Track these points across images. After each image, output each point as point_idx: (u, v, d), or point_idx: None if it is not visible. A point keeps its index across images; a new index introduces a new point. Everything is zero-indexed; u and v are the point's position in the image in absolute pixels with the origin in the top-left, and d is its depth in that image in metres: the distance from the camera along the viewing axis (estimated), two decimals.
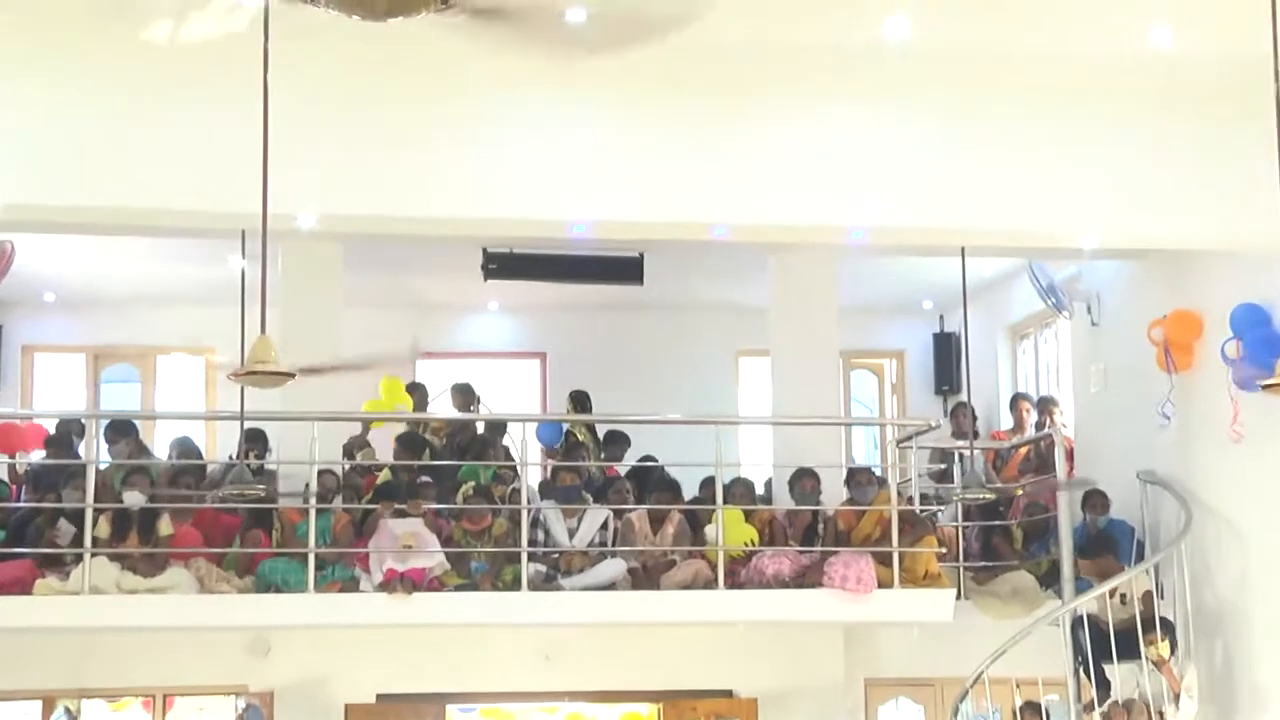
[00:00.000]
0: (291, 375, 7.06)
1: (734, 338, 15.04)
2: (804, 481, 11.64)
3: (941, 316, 15.65)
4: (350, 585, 10.84)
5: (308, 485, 10.91)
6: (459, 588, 10.94)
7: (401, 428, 12.47)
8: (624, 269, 12.92)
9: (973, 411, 12.98)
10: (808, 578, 11.10)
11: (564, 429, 13.09)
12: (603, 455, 12.77)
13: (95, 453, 11.14)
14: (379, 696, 11.23)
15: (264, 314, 7.23)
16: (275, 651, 11.11)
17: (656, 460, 12.46)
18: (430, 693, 11.37)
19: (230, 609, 10.65)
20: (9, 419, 12.98)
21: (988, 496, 11.53)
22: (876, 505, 11.48)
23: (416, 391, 13.37)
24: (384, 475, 12.19)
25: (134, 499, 10.89)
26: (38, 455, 12.19)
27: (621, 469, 12.48)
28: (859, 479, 11.69)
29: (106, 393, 14.84)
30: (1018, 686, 10.28)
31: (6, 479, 12.10)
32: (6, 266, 12.26)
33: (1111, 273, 12.86)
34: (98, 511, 10.74)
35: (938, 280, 13.80)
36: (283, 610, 10.68)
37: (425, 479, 11.43)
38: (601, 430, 13.00)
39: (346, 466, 12.21)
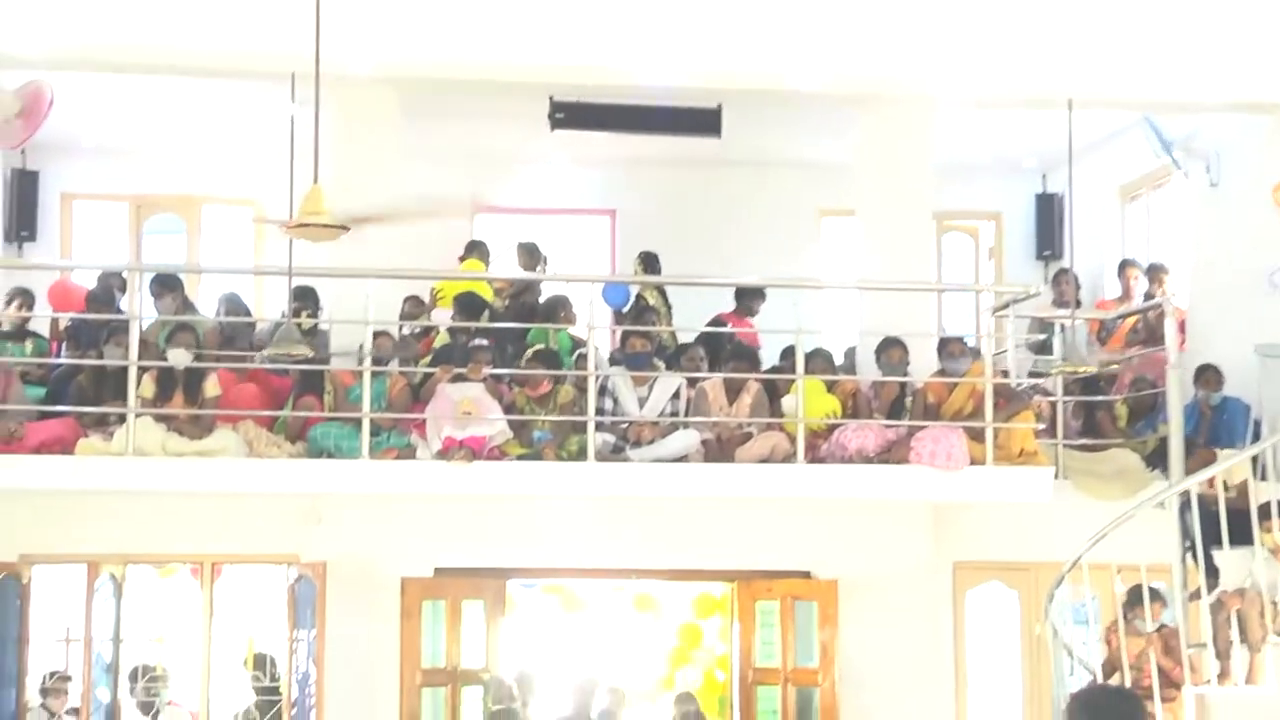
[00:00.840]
0: (344, 228, 7.12)
1: (817, 196, 14.95)
2: (891, 351, 11.62)
3: (1044, 175, 15.48)
4: (407, 453, 10.95)
5: (362, 346, 10.98)
6: (521, 458, 11.02)
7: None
8: (700, 121, 12.81)
9: (1076, 278, 12.89)
10: (893, 453, 11.11)
11: (633, 292, 13.09)
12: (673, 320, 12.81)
13: (139, 308, 11.26)
14: (437, 570, 11.36)
15: (316, 163, 7.25)
16: (328, 521, 11.23)
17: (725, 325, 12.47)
18: (490, 567, 11.49)
19: (281, 474, 10.79)
20: (49, 270, 13.15)
21: (1090, 370, 11.45)
22: (970, 377, 11.45)
23: (477, 249, 13.41)
24: (441, 338, 12.30)
25: (179, 357, 11.03)
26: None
27: (692, 336, 12.49)
28: (951, 349, 11.64)
29: (149, 244, 14.95)
30: (1119, 573, 10.26)
31: (47, 334, 12.33)
32: (45, 110, 12.30)
33: (1234, 129, 12.63)
34: (142, 370, 10.90)
35: (1041, 136, 13.63)
36: (336, 477, 10.82)
37: (483, 342, 11.49)
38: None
39: (403, 328, 12.32)
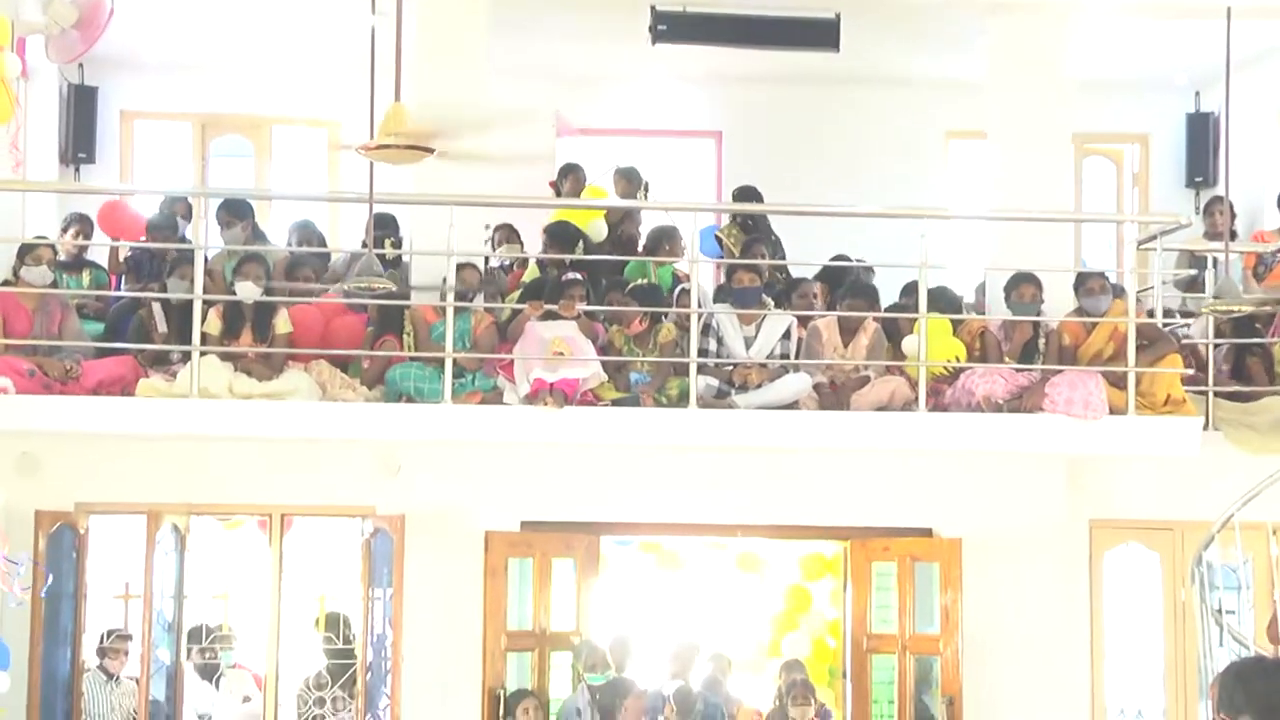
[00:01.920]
0: (428, 150, 7.11)
1: (943, 116, 14.79)
2: (1023, 288, 11.52)
3: (1197, 93, 15.23)
4: (492, 397, 11.00)
5: (445, 280, 11.01)
6: (617, 402, 11.06)
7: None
8: (816, 32, 12.71)
9: (1231, 208, 12.67)
10: (1025, 400, 11.03)
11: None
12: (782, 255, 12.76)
13: (204, 237, 11.33)
14: (524, 524, 11.40)
15: (398, 80, 7.25)
16: (406, 470, 11.28)
17: (850, 260, 12.39)
18: (582, 521, 11.51)
19: (356, 419, 10.88)
20: (107, 195, 13.27)
21: (1245, 309, 11.29)
22: (1110, 317, 11.31)
23: (571, 175, 13.39)
24: (531, 271, 12.32)
25: (248, 291, 11.11)
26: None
27: (807, 270, 12.44)
28: (1090, 286, 11.52)
29: (216, 167, 15.05)
30: (1274, 533, 10.14)
31: (105, 265, 12.44)
32: (105, 20, 12.37)
33: None
34: (207, 304, 10.99)
35: (1194, 49, 13.40)
36: (415, 422, 10.88)
37: (577, 275, 11.48)
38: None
39: (490, 260, 12.34)
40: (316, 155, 14.96)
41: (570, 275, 11.47)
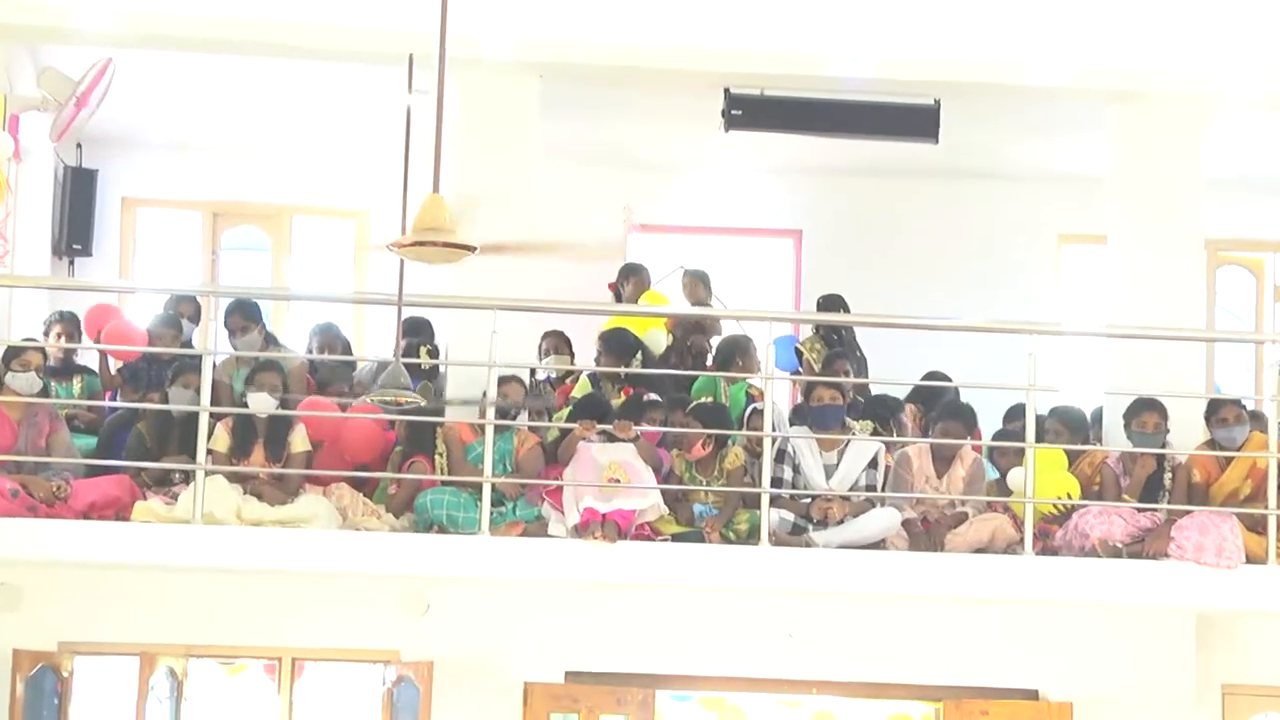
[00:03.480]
0: (470, 249, 7.12)
1: (1055, 217, 14.87)
2: (1146, 416, 11.47)
3: None
4: (536, 528, 11.00)
5: (485, 394, 11.03)
6: (677, 537, 11.03)
7: None
8: (912, 120, 12.75)
9: None
10: (1148, 545, 10.95)
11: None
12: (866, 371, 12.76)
13: (212, 341, 11.38)
14: (568, 674, 11.34)
15: (437, 167, 7.26)
16: (435, 610, 11.26)
17: (949, 379, 12.37)
18: (636, 673, 11.45)
19: (380, 551, 10.85)
20: (104, 291, 13.37)
21: None
22: (1248, 451, 11.24)
23: (634, 278, 13.45)
24: (582, 385, 12.33)
25: (261, 403, 11.16)
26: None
27: (898, 390, 12.41)
28: (1224, 415, 11.47)
29: (228, 262, 15.16)
30: None
31: (97, 370, 12.50)
32: (101, 90, 12.50)
33: None
34: (214, 418, 11.02)
35: None
36: (447, 556, 10.86)
37: (655, 397, 11.52)
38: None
39: (535, 372, 12.37)
40: (341, 250, 15.08)
41: (650, 396, 11.52)
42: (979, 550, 11.06)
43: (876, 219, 14.82)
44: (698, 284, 13.56)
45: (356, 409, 11.61)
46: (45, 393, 11.38)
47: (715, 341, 12.90)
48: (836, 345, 12.70)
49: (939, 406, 11.93)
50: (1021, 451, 11.19)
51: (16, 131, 11.44)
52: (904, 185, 14.70)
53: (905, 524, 11.15)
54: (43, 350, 11.55)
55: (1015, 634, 11.41)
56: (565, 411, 11.85)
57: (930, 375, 12.46)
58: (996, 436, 12.07)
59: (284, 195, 15.00)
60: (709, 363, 12.69)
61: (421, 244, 7.07)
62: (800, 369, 12.86)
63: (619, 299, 13.26)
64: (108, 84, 12.28)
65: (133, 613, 11.13)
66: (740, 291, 14.51)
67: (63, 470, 11.01)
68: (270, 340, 12.44)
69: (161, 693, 11.17)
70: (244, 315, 12.13)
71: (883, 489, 11.35)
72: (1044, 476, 11.16)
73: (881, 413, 12.10)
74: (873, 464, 11.37)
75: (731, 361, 12.47)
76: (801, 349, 12.87)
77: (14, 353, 11.22)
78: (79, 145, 14.03)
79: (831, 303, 13.06)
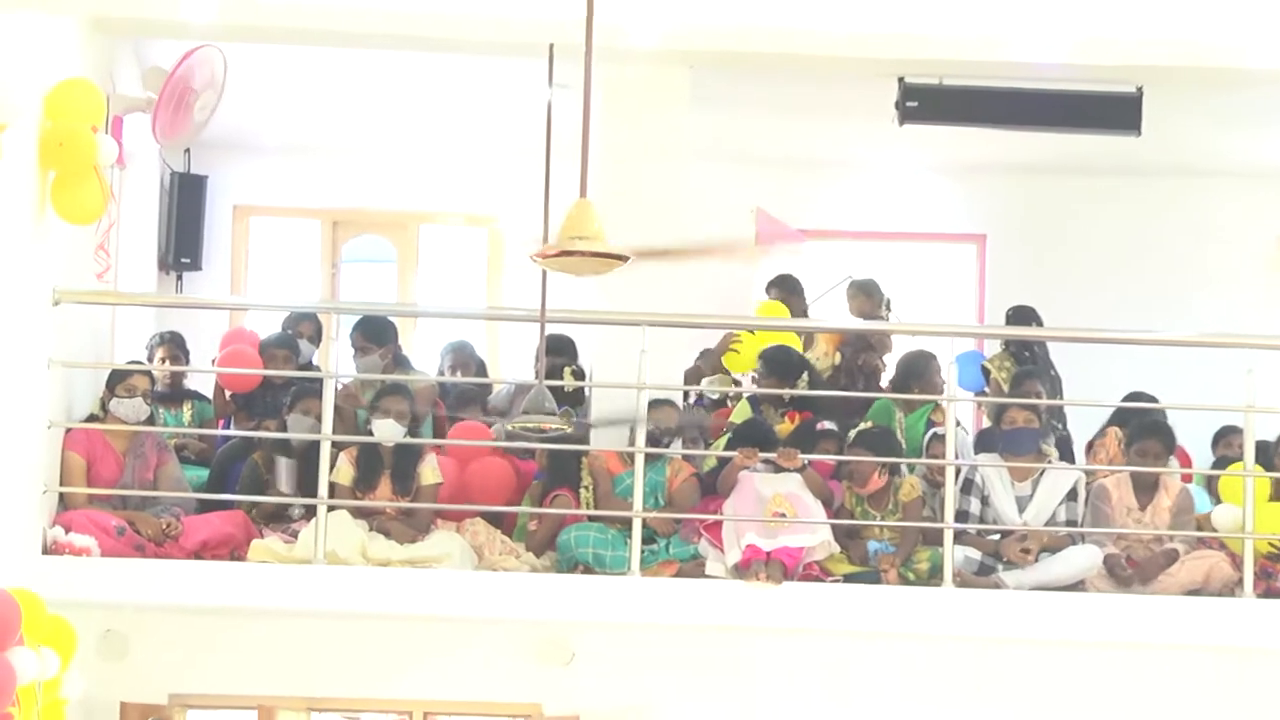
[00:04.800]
0: (623, 258, 7.13)
1: (1275, 217, 14.72)
2: None
3: None
4: (692, 568, 11.03)
5: (634, 420, 11.07)
6: (850, 578, 11.03)
7: None
8: (1112, 111, 12.65)
9: None
10: None
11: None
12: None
13: (334, 363, 11.47)
14: None
15: (585, 168, 7.28)
16: (580, 660, 11.30)
17: (1155, 400, 12.27)
18: None
19: (519, 594, 10.91)
20: (215, 308, 13.52)
21: None
22: None
23: (785, 287, 13.43)
24: (741, 410, 12.33)
25: (388, 431, 11.25)
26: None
27: (1100, 413, 12.32)
28: None
29: (349, 275, 15.28)
30: None
31: (208, 396, 12.62)
32: (210, 91, 12.51)
33: None
34: (337, 447, 11.13)
35: None
36: (594, 599, 10.91)
37: (832, 427, 11.48)
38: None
39: (689, 395, 12.39)
40: (473, 261, 15.17)
41: (825, 426, 11.51)
42: (1192, 592, 10.97)
43: (1070, 222, 14.72)
44: (865, 296, 13.50)
45: (484, 441, 11.67)
46: (152, 421, 11.50)
47: (889, 360, 12.90)
48: (1028, 362, 12.60)
49: (1133, 424, 11.84)
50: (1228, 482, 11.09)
51: (120, 135, 11.53)
52: (1101, 184, 14.61)
53: (1107, 562, 11.07)
54: (150, 374, 11.62)
55: (1236, 683, 11.30)
56: (723, 439, 11.87)
57: (1132, 396, 12.35)
58: (1216, 465, 11.95)
59: (410, 201, 15.08)
60: (883, 384, 12.66)
61: (569, 254, 7.08)
62: (987, 389, 12.79)
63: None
64: (213, 75, 12.30)
65: (249, 662, 11.24)
66: (916, 304, 14.45)
67: (172, 506, 11.15)
68: (399, 361, 12.50)
69: None
70: (368, 336, 12.25)
71: (1083, 523, 11.26)
72: (1266, 508, 11.04)
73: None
74: (1071, 495, 11.30)
75: (909, 383, 12.42)
76: (989, 366, 12.80)
77: (119, 377, 11.30)
78: (187, 150, 14.16)
79: (1022, 315, 12.95)
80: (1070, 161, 14.04)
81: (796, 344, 12.60)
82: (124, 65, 12.32)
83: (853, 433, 11.50)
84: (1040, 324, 12.83)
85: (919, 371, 12.42)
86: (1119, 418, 12.20)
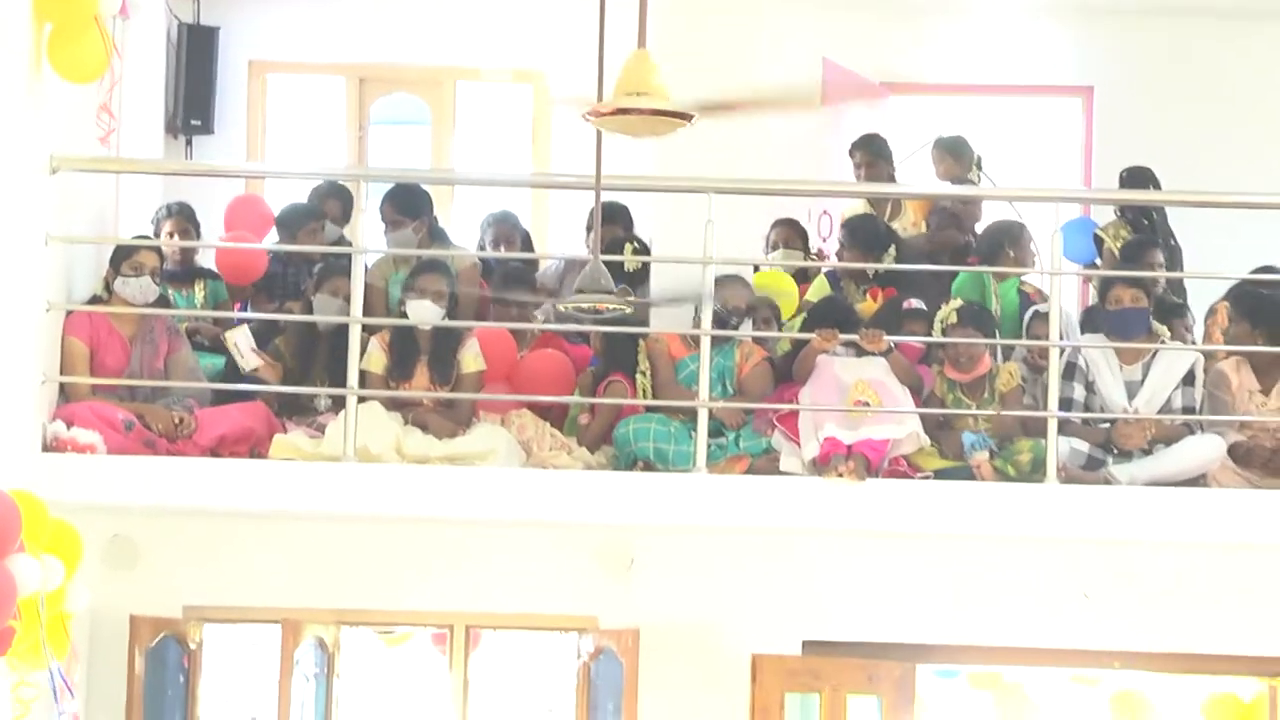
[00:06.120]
0: (687, 117, 7.12)
1: None
2: None
3: None
4: (765, 463, 11.04)
5: (699, 297, 11.06)
6: (941, 474, 11.04)
7: None
8: None
9: None
10: None
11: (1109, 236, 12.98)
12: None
13: (364, 237, 11.48)
14: (806, 645, 11.37)
15: (644, 13, 7.26)
16: (642, 567, 11.33)
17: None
18: (889, 643, 11.46)
19: (572, 493, 10.95)
20: (232, 176, 13.56)
21: None
22: None
23: (871, 149, 13.39)
24: (818, 286, 12.33)
25: (424, 312, 11.26)
26: (270, 240, 12.70)
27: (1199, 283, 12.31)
28: None
29: (380, 139, 15.26)
30: None
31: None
32: None
33: None
34: (368, 331, 11.16)
35: None
36: (655, 499, 10.93)
37: (921, 306, 11.47)
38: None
39: (763, 267, 12.38)
40: (518, 122, 15.14)
41: (913, 304, 11.50)
42: None
43: (1189, 71, 14.66)
44: (953, 157, 13.43)
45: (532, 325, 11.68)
46: (163, 302, 11.52)
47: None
48: (1146, 230, 12.53)
49: (1244, 298, 11.78)
50: None
51: None
52: (1227, 27, 14.54)
53: (1232, 452, 11.06)
54: (158, 250, 11.60)
55: None
56: (799, 320, 11.86)
57: (1260, 270, 12.30)
58: None
59: (446, 55, 15.06)
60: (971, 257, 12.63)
61: (626, 112, 7.06)
62: (1099, 260, 12.73)
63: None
64: None
65: (272, 571, 11.27)
66: (1013, 166, 14.40)
67: (185, 397, 11.18)
68: (435, 235, 12.48)
69: (308, 668, 11.28)
70: (399, 208, 12.19)
71: (1201, 410, 11.24)
72: None
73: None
74: (1188, 379, 11.28)
75: (1000, 253, 12.38)
76: (1102, 235, 12.75)
77: (124, 253, 11.28)
78: None
79: (1138, 177, 12.85)
80: (1191, 3, 13.92)
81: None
82: None
83: (948, 309, 11.47)
84: (1159, 187, 12.74)
85: (1015, 237, 12.39)
86: (1234, 292, 12.10)
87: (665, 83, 7.11)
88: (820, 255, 12.91)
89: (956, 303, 11.61)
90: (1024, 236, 12.47)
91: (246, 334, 11.35)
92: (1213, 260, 12.80)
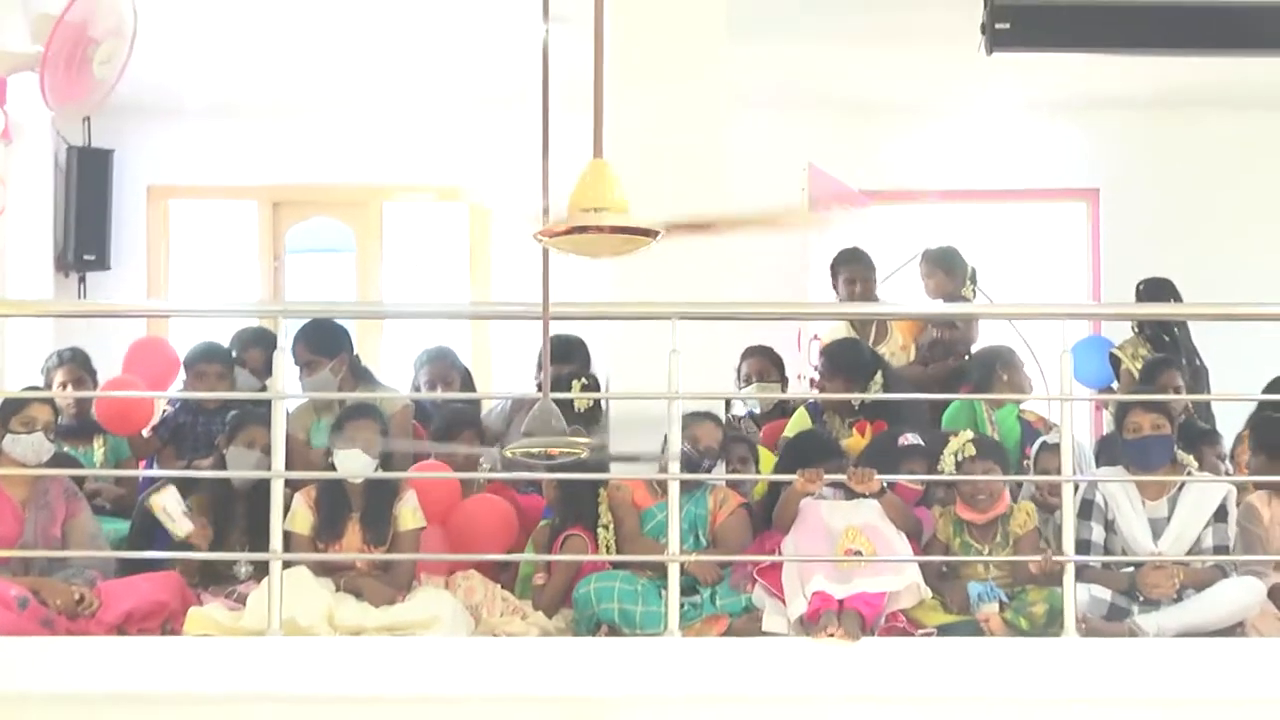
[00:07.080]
0: (652, 233, 7.06)
1: None
2: None
3: None
4: (745, 623, 10.97)
5: (666, 439, 11.01)
6: (945, 629, 10.98)
7: None
8: (1251, 28, 12.64)
9: None
10: None
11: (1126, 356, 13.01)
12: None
13: (282, 380, 11.43)
14: None
15: (599, 121, 7.22)
16: None
17: None
18: None
19: (528, 664, 10.82)
20: (131, 316, 13.50)
21: None
22: None
23: (856, 268, 13.41)
24: (798, 420, 12.32)
25: (354, 463, 11.18)
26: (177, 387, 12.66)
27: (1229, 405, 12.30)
28: None
29: (297, 269, 15.26)
30: None
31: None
32: (115, 40, 12.47)
33: None
34: (291, 487, 11.07)
35: None
36: (622, 666, 10.80)
37: (914, 439, 11.44)
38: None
39: (731, 404, 12.34)
40: (454, 245, 15.15)
41: (910, 440, 11.44)
42: None
43: (1206, 172, 14.75)
44: (944, 271, 13.41)
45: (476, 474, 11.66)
46: (58, 462, 11.46)
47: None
48: (1167, 349, 12.54)
49: (1261, 423, 11.84)
50: None
51: (3, 101, 11.53)
52: (1247, 121, 14.61)
53: (1272, 595, 11.03)
54: (51, 403, 11.49)
55: None
56: (776, 458, 11.83)
57: (1275, 384, 12.34)
58: None
59: (369, 174, 15.12)
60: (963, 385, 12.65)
61: (583, 230, 7.00)
62: (1115, 384, 12.73)
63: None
64: (118, 20, 12.24)
65: None
66: (1013, 279, 14.43)
67: (87, 568, 11.06)
68: (358, 374, 12.45)
69: None
70: (315, 345, 12.14)
71: (1235, 550, 11.20)
72: None
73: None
74: (1219, 515, 11.24)
75: (993, 377, 12.41)
76: (1119, 355, 12.75)
77: (12, 408, 11.16)
78: (86, 119, 14.14)
79: (1157, 289, 12.88)
80: (1208, 94, 14.06)
81: None
82: (6, 13, 12.30)
83: (959, 441, 11.41)
84: (1180, 300, 12.76)
85: (1007, 360, 12.47)
86: (1253, 420, 12.11)
87: (626, 197, 7.04)
88: (814, 384, 12.87)
89: (968, 434, 11.57)
90: (1015, 359, 12.48)
91: (175, 496, 11.22)
92: (1242, 378, 12.76)
